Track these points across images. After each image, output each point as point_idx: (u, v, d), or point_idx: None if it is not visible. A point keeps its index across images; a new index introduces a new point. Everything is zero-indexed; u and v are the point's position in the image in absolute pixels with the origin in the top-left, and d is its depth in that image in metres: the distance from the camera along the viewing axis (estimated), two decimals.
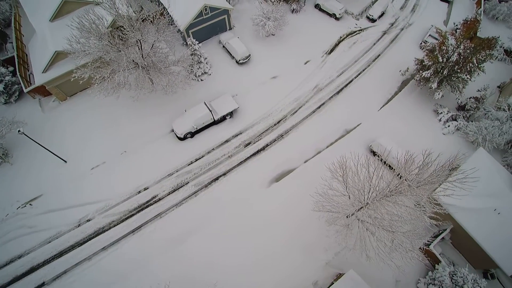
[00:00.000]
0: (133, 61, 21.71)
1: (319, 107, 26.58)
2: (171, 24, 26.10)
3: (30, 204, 21.25)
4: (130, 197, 21.44)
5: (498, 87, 29.02)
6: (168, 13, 24.94)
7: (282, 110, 26.13)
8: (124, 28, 20.95)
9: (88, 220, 20.63)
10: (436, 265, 19.17)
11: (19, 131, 19.07)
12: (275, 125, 25.30)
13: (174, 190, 21.81)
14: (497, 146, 23.68)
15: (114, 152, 23.33)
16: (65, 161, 22.81)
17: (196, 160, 23.21)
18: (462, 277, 17.58)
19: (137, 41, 21.25)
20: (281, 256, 19.58)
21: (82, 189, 21.77)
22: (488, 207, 18.72)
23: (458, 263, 20.16)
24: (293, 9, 33.18)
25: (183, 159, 23.16)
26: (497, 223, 18.26)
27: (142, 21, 21.69)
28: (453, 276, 17.90)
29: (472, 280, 17.27)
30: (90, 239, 19.99)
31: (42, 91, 25.22)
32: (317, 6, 34.19)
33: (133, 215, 20.79)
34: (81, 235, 20.11)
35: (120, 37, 22.06)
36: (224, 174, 22.66)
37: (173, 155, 23.26)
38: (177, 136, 23.92)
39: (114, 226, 20.39)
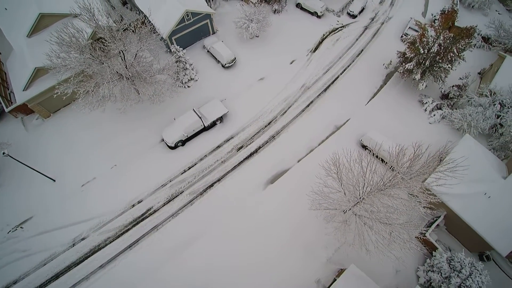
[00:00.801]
0: (117, 72, 21.30)
1: (308, 105, 26.76)
2: (154, 32, 25.74)
3: (21, 227, 20.54)
4: (124, 212, 21.01)
5: (479, 73, 29.95)
6: (150, 21, 24.58)
7: (271, 111, 26.17)
8: (105, 40, 20.54)
9: (83, 239, 20.09)
10: (433, 252, 19.60)
11: (3, 153, 18.43)
12: (266, 126, 25.31)
13: (169, 201, 21.50)
14: (482, 131, 24.43)
15: (104, 166, 22.81)
16: (54, 180, 22.17)
17: (189, 168, 22.96)
18: (459, 261, 18.01)
19: (119, 51, 20.86)
20: (282, 256, 19.59)
21: (74, 207, 21.18)
22: (479, 192, 19.28)
23: (454, 248, 20.65)
24: (275, 10, 33.30)
25: (175, 168, 22.87)
26: (488, 206, 18.82)
27: (124, 31, 21.31)
28: (451, 262, 18.33)
29: (469, 264, 17.71)
30: (86, 258, 19.46)
31: (24, 109, 24.42)
32: (298, 5, 34.43)
33: (129, 229, 20.37)
34: (76, 255, 19.56)
35: (101, 49, 21.61)
36: (219, 180, 22.50)
37: (165, 165, 22.93)
38: (167, 145, 23.59)
39: (110, 242, 19.91)
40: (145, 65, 22.31)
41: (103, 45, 21.46)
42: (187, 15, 26.81)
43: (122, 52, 20.90)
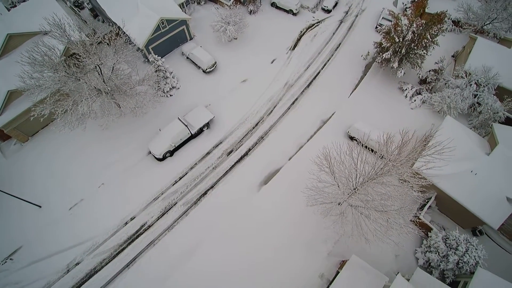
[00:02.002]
0: (95, 87, 20.66)
1: (293, 103, 26.88)
2: (129, 43, 25.18)
3: (10, 259, 19.51)
4: (118, 230, 20.34)
5: (453, 56, 31.05)
6: (124, 33, 23.98)
7: (258, 112, 26.11)
8: (80, 55, 19.87)
9: (77, 264, 19.29)
10: (428, 233, 20.05)
11: None
12: (253, 128, 25.22)
13: (163, 214, 21.00)
14: (462, 111, 25.30)
15: (91, 186, 22.02)
16: (40, 206, 21.21)
17: (180, 178, 22.52)
18: (454, 239, 18.50)
19: (95, 66, 20.23)
20: (285, 255, 19.53)
21: (64, 232, 20.32)
22: (465, 170, 19.88)
23: (448, 227, 21.23)
24: (251, 11, 33.32)
25: (166, 180, 22.37)
26: (476, 183, 19.45)
27: (98, 44, 20.69)
28: (446, 240, 18.80)
29: (465, 240, 18.21)
30: (83, 283, 18.70)
31: (1, 135, 23.27)
32: (273, 4, 34.59)
33: (124, 248, 19.73)
34: (72, 281, 18.76)
35: (76, 65, 20.94)
36: (212, 187, 22.20)
37: (155, 177, 22.39)
38: (155, 158, 23.06)
39: (106, 264, 19.22)
40: (124, 77, 21.75)
41: (78, 60, 20.78)
42: (162, 23, 26.37)
43: (98, 66, 20.28)
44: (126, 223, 20.63)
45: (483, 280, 16.22)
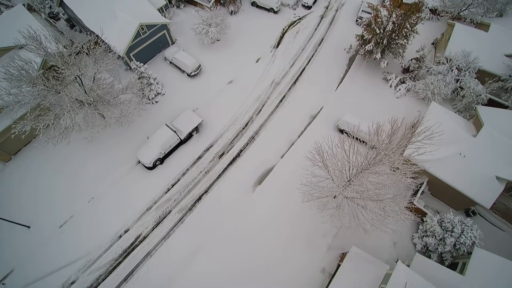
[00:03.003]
0: (77, 99, 20.01)
1: (281, 100, 26.83)
2: (109, 52, 24.59)
3: (2, 284, 18.58)
4: (112, 245, 19.71)
5: (433, 44, 31.77)
6: (103, 41, 23.37)
7: (246, 112, 25.93)
8: (58, 67, 19.20)
9: (73, 283, 18.55)
10: (424, 218, 20.32)
11: None
12: (243, 129, 25.01)
13: (158, 223, 20.48)
14: (445, 96, 25.86)
15: (80, 202, 21.27)
16: (28, 227, 20.34)
17: (173, 185, 22.06)
18: (449, 221, 18.78)
19: (75, 77, 19.60)
20: (285, 253, 19.38)
21: (56, 251, 19.52)
22: (454, 153, 20.28)
23: (442, 210, 21.57)
24: (232, 11, 33.15)
25: (158, 188, 21.86)
26: (465, 165, 19.86)
27: (76, 54, 20.06)
28: (442, 223, 19.08)
29: (459, 222, 18.52)
30: None
31: None
32: (253, 4, 34.54)
33: (120, 262, 19.12)
34: None
35: (55, 77, 20.22)
36: (206, 191, 21.85)
37: (147, 187, 21.85)
38: (145, 167, 22.51)
39: (103, 280, 18.56)
40: (106, 87, 21.15)
41: (57, 73, 20.08)
42: (142, 29, 25.85)
43: (79, 77, 19.66)
44: (120, 236, 20.02)
45: (481, 259, 16.54)
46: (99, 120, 21.36)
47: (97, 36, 23.95)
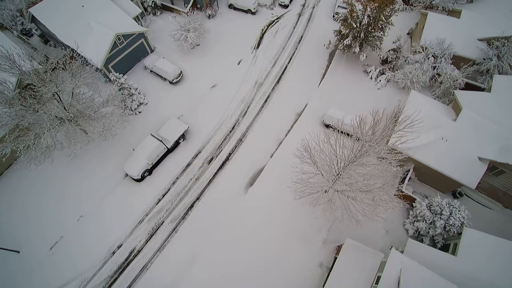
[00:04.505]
0: (56, 116, 19.50)
1: (265, 101, 26.94)
2: (87, 65, 24.10)
3: None
4: (106, 262, 19.25)
5: (408, 34, 32.60)
6: (79, 54, 22.88)
7: (232, 115, 25.88)
8: (35, 85, 18.67)
9: None
10: (413, 203, 20.79)
11: None
12: (230, 132, 24.96)
13: (152, 236, 20.14)
14: (424, 84, 26.59)
15: (69, 221, 20.69)
16: (18, 252, 19.64)
17: (163, 195, 21.76)
18: (438, 205, 19.27)
19: (53, 94, 19.09)
20: (282, 252, 19.40)
21: (48, 274, 18.87)
22: (436, 138, 20.82)
23: (430, 194, 22.09)
24: (209, 15, 33.07)
25: (149, 200, 21.51)
26: (448, 149, 20.42)
27: (52, 70, 19.56)
28: (431, 207, 19.57)
29: (447, 204, 19.03)
30: None
31: None
32: (230, 6, 34.56)
33: (116, 279, 18.69)
34: None
35: (33, 95, 19.63)
36: (198, 198, 21.66)
37: (137, 199, 21.46)
38: (133, 179, 22.12)
39: None
40: (86, 101, 20.66)
41: (34, 91, 19.50)
42: (119, 39, 25.45)
43: (56, 93, 19.16)
44: (114, 253, 19.59)
45: (471, 238, 16.98)
46: (81, 136, 20.87)
47: (72, 50, 23.41)
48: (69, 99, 19.97)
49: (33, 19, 26.27)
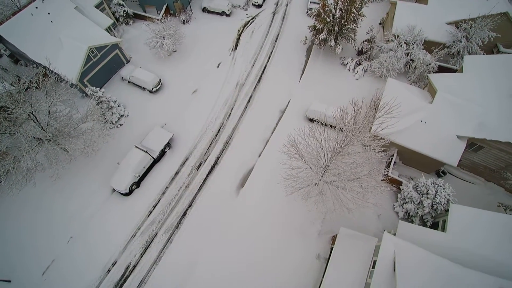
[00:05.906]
0: (34, 137, 18.84)
1: (248, 101, 27.01)
2: (61, 81, 23.40)
3: None
4: (102, 281, 18.71)
5: (380, 23, 33.52)
6: (52, 71, 22.19)
7: (216, 118, 25.81)
8: (8, 107, 17.99)
9: None
10: (400, 186, 21.40)
11: None
12: (216, 135, 24.88)
13: (146, 249, 19.75)
14: (399, 71, 27.44)
15: (59, 243, 20.00)
16: (9, 281, 18.81)
17: (154, 207, 21.39)
18: (423, 185, 19.91)
19: (29, 114, 18.46)
20: (280, 249, 19.50)
21: None
22: (415, 121, 21.53)
23: (415, 176, 22.82)
24: (184, 20, 32.83)
25: (139, 213, 21.09)
26: (427, 130, 21.16)
27: (26, 90, 18.91)
28: (417, 188, 20.20)
29: (432, 184, 19.71)
30: None
31: None
32: (204, 10, 34.46)
33: None
34: None
35: (7, 118, 18.92)
36: (190, 205, 21.45)
37: (127, 214, 20.99)
38: (121, 193, 21.63)
39: None
40: (64, 118, 20.09)
41: (8, 114, 18.79)
42: (92, 52, 24.87)
43: (32, 113, 18.54)
44: (109, 271, 19.10)
45: (457, 213, 17.52)
46: (62, 155, 20.25)
47: (45, 67, 22.69)
48: (46, 118, 19.36)
49: (1, 39, 25.28)
